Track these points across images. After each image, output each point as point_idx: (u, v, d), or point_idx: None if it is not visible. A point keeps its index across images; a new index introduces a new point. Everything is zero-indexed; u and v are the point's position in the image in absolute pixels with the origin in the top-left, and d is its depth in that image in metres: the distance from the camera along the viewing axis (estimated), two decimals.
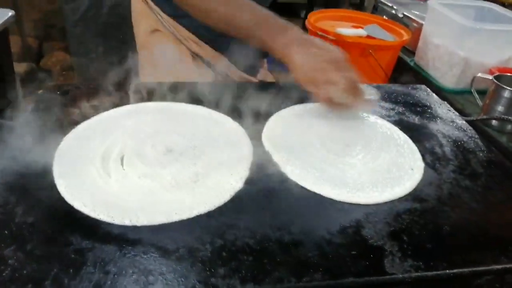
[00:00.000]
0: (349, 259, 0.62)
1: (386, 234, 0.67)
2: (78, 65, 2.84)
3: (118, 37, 2.70)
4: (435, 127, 1.00)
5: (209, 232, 0.64)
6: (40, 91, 0.97)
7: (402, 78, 1.84)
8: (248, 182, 0.75)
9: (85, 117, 0.89)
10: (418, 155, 0.87)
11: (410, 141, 0.92)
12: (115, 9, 2.57)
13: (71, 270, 0.57)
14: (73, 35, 2.63)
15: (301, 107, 1.00)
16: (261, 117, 0.94)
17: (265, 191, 0.73)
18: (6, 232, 0.62)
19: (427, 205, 0.75)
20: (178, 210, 0.67)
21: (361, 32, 1.87)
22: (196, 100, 0.97)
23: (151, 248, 0.61)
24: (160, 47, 1.23)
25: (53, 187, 0.70)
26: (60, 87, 0.99)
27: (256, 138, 0.87)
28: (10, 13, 1.11)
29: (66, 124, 0.86)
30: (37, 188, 0.70)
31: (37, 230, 0.62)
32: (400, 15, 2.07)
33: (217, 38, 0.99)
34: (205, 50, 1.20)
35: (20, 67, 3.31)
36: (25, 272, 0.56)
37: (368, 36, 1.85)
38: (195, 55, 1.21)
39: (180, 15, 1.14)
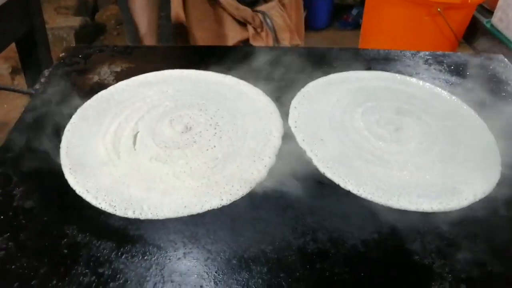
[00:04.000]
0: (386, 280, 0.51)
1: (436, 249, 0.55)
2: (125, 19, 2.79)
3: None
4: (510, 108, 0.82)
5: (220, 233, 0.55)
6: (62, 54, 0.90)
7: (475, 43, 1.59)
8: (273, 171, 0.64)
9: (104, 86, 0.81)
10: (494, 147, 0.71)
11: (482, 124, 0.76)
12: None
13: (62, 269, 0.51)
14: None
15: (340, 76, 0.86)
16: (297, 90, 0.81)
17: (291, 185, 0.62)
18: (2, 217, 0.57)
19: (494, 212, 0.61)
20: (188, 203, 0.58)
21: None
22: (228, 66, 0.86)
23: (152, 248, 0.53)
24: None
25: (58, 166, 0.64)
26: (82, 49, 0.92)
27: (288, 116, 0.75)
28: None
29: (82, 94, 0.78)
30: (41, 167, 0.64)
31: (34, 218, 0.57)
32: None
33: None
34: None
35: (75, 21, 3.34)
36: (13, 267, 0.51)
37: None
38: None
39: None
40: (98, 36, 3.46)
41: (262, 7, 1.22)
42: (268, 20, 1.20)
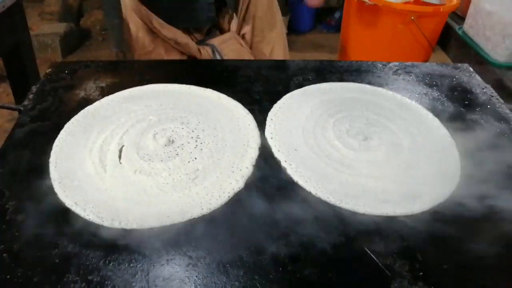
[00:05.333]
0: (351, 279, 0.56)
1: (397, 251, 0.60)
2: (110, 26, 2.81)
3: None
4: (474, 116, 0.88)
5: (200, 240, 0.60)
6: (49, 70, 0.94)
7: (449, 49, 1.66)
8: (250, 181, 0.69)
9: (90, 101, 0.85)
10: (455, 154, 0.77)
11: (445, 132, 0.82)
12: None
13: (54, 277, 0.55)
14: None
15: (314, 88, 0.91)
16: (273, 102, 0.86)
17: (266, 194, 0.67)
18: None
19: (452, 216, 0.66)
20: (171, 213, 0.63)
21: None
22: (208, 80, 0.91)
23: (138, 256, 0.58)
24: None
25: (47, 180, 0.68)
26: (68, 65, 0.96)
27: (265, 127, 0.80)
28: None
29: (69, 110, 0.82)
30: (31, 181, 0.68)
31: (26, 230, 0.61)
32: None
33: None
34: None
35: (59, 28, 3.34)
36: (8, 277, 0.55)
37: (416, 1, 1.68)
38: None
39: None
40: (83, 42, 3.46)
41: (215, 40, 1.19)
42: (217, 55, 1.16)
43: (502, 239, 0.63)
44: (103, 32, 3.62)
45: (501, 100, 0.94)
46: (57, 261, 0.57)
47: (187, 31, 1.15)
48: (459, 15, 1.75)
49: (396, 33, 1.47)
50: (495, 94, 0.96)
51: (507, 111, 0.91)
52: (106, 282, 0.54)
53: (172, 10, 1.09)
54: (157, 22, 1.12)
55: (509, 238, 0.63)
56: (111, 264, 0.56)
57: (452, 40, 1.68)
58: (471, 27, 1.58)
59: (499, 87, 1.01)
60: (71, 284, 0.54)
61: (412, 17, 1.55)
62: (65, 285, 0.54)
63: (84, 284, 0.54)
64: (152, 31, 1.14)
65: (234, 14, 1.15)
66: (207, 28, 1.18)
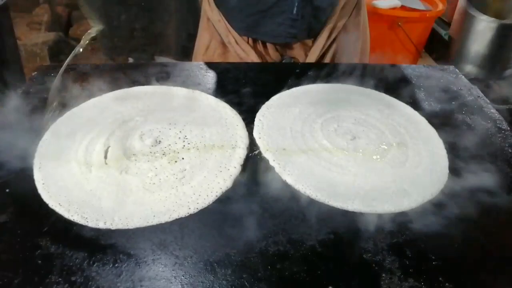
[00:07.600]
0: (340, 277, 0.56)
1: (387, 247, 0.60)
2: (100, 34, 2.80)
3: (140, 4, 2.63)
4: (460, 116, 0.89)
5: (187, 239, 0.59)
6: (34, 73, 0.92)
7: (434, 53, 1.68)
8: (238, 181, 0.68)
9: (76, 103, 0.84)
10: (442, 152, 0.77)
11: (433, 132, 0.82)
12: None
13: (36, 279, 0.53)
14: (93, 2, 2.57)
15: (303, 89, 0.91)
16: (262, 103, 0.86)
17: (255, 192, 0.67)
18: None
19: (440, 213, 0.66)
20: (157, 212, 0.62)
21: (396, 2, 1.72)
22: (196, 82, 0.91)
23: (123, 256, 0.56)
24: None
25: (31, 181, 0.67)
26: (54, 67, 0.94)
27: (253, 128, 0.80)
28: None
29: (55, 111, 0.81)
30: (15, 182, 0.67)
31: (8, 231, 0.59)
32: None
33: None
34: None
35: (48, 37, 3.32)
36: None
37: (403, 7, 1.70)
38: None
39: None
40: (72, 51, 3.45)
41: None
42: None
43: (490, 235, 0.63)
44: (92, 41, 3.59)
45: (487, 100, 0.95)
46: (39, 262, 0.55)
47: (260, 54, 1.11)
48: (444, 21, 1.77)
49: (383, 38, 1.48)
50: (481, 94, 0.97)
51: (493, 111, 0.92)
52: (89, 283, 0.53)
53: (252, 22, 1.07)
54: (234, 38, 1.10)
55: (495, 234, 0.63)
56: (95, 265, 0.55)
57: (438, 46, 1.70)
58: (456, 32, 1.60)
59: (486, 89, 1.02)
60: (53, 285, 0.52)
61: (399, 23, 1.57)
62: (47, 286, 0.52)
63: (67, 285, 0.53)
64: (224, 45, 1.12)
65: (315, 48, 1.10)
66: (283, 49, 1.13)
